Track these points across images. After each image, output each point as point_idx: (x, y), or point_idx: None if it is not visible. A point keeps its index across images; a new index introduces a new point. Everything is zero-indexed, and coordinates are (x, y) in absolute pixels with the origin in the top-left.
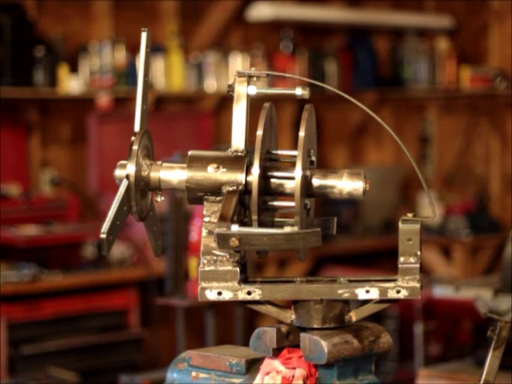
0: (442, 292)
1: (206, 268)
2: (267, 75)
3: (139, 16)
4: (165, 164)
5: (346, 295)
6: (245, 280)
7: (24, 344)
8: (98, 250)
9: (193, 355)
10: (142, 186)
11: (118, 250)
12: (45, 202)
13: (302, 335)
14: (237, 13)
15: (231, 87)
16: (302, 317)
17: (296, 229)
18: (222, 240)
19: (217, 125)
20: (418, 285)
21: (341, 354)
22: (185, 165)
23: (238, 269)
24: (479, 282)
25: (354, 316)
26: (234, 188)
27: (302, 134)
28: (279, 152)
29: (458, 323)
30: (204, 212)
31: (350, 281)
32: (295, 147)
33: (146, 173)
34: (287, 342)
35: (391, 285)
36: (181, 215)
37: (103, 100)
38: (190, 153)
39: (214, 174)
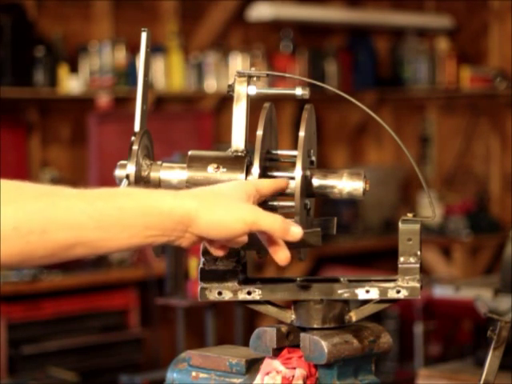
0: (441, 292)
1: (206, 268)
2: (267, 75)
3: (139, 16)
4: (165, 164)
5: (346, 295)
6: (245, 280)
7: (24, 344)
8: None
9: (193, 355)
10: (142, 186)
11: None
12: None
13: (302, 335)
14: (237, 13)
15: (231, 87)
16: (301, 317)
17: None
18: None
19: (217, 125)
20: (418, 285)
21: (341, 354)
22: (185, 165)
23: (238, 269)
24: (479, 282)
25: (354, 316)
26: None
27: (301, 133)
28: (279, 152)
29: (458, 323)
30: None
31: (350, 281)
32: (295, 147)
33: (146, 173)
34: (287, 341)
35: (391, 285)
36: None
37: (103, 100)
38: (189, 153)
39: (213, 174)
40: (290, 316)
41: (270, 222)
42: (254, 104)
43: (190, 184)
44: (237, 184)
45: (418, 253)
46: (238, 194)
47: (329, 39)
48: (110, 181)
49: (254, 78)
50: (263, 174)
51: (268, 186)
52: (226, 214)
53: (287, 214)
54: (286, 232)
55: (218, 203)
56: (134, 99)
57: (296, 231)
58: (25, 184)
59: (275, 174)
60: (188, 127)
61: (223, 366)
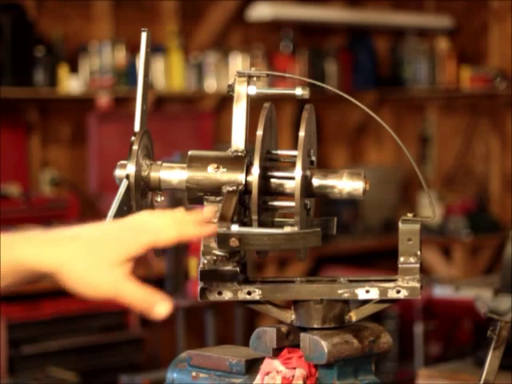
0: (442, 292)
1: (206, 268)
2: (267, 75)
3: (139, 16)
4: (165, 164)
5: (346, 295)
6: (245, 280)
7: (24, 344)
8: None
9: (193, 355)
10: (142, 186)
11: None
12: (45, 202)
13: (302, 335)
14: (237, 13)
15: (231, 87)
16: (302, 317)
17: (296, 229)
18: (222, 240)
19: (217, 125)
20: (417, 285)
21: (341, 354)
22: (185, 165)
23: (237, 269)
24: (479, 282)
25: (354, 316)
26: (234, 188)
27: (301, 133)
28: (279, 152)
29: (457, 323)
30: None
31: (350, 281)
32: (295, 147)
33: (146, 173)
34: (287, 341)
35: (391, 285)
36: None
37: (103, 100)
38: (189, 153)
39: (213, 174)
40: (290, 316)
41: (132, 298)
42: (254, 104)
43: (190, 184)
44: (120, 235)
45: (418, 253)
46: (114, 248)
47: (329, 39)
48: (109, 181)
49: (254, 78)
50: (263, 173)
51: (169, 238)
52: (87, 273)
53: (287, 214)
54: (149, 310)
55: (86, 261)
56: (134, 99)
57: (161, 310)
58: None
59: (275, 173)
60: (188, 127)
61: (223, 366)
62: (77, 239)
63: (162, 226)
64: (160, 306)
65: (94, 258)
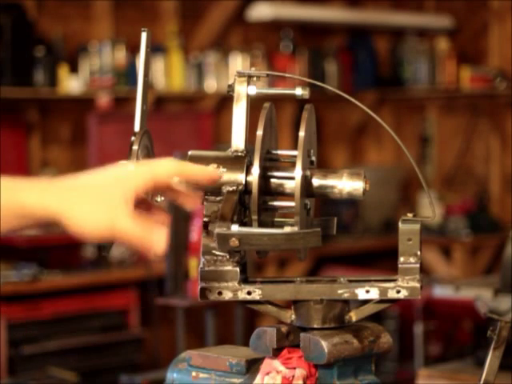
0: (441, 292)
1: (206, 268)
2: (267, 75)
3: (139, 16)
4: None
5: (346, 295)
6: (245, 280)
7: (24, 344)
8: (98, 250)
9: (193, 355)
10: None
11: (118, 250)
12: None
13: (302, 335)
14: (237, 13)
15: (231, 87)
16: (301, 317)
17: (296, 229)
18: (222, 240)
19: (217, 125)
20: (418, 285)
21: (341, 354)
22: None
23: (237, 269)
24: (479, 282)
25: (354, 316)
26: (234, 188)
27: (301, 133)
28: (279, 152)
29: (457, 323)
30: (204, 212)
31: (350, 281)
32: (295, 147)
33: None
34: (287, 342)
35: (391, 285)
36: (181, 215)
37: (103, 100)
38: (189, 153)
39: None
40: (290, 316)
41: (130, 235)
42: (254, 104)
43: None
44: (118, 177)
45: (418, 253)
46: (113, 190)
47: (329, 39)
48: None
49: (254, 78)
50: (263, 173)
51: (168, 172)
52: (88, 216)
53: (287, 214)
54: (146, 246)
55: (84, 201)
56: (134, 99)
57: (159, 246)
58: None
59: (275, 173)
60: (188, 127)
61: (223, 366)
62: (77, 186)
63: (160, 163)
64: (156, 241)
65: (94, 201)
